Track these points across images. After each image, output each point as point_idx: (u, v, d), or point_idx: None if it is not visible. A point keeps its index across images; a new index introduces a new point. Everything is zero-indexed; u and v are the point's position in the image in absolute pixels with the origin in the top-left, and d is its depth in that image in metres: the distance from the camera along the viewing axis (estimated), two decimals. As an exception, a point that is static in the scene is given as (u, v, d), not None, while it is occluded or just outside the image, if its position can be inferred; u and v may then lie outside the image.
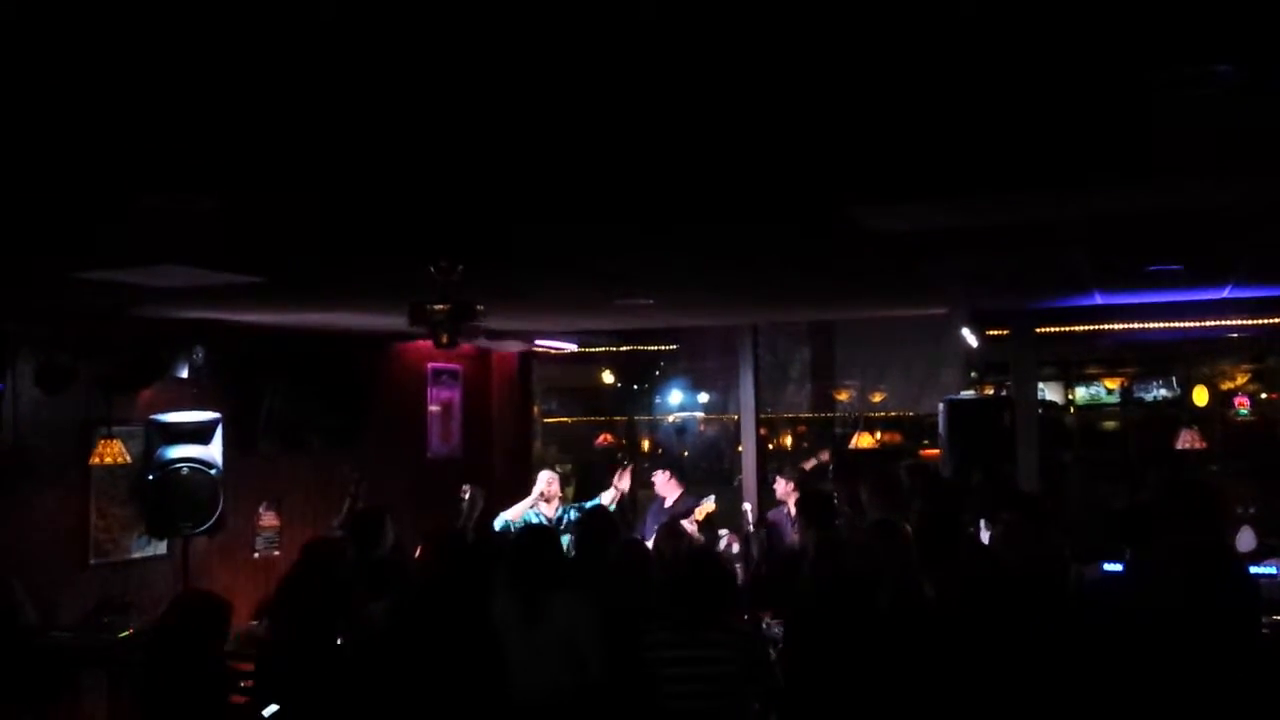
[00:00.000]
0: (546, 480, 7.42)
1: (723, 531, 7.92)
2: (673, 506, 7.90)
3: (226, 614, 3.93)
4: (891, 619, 4.09)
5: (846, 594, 4.25)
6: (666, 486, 8.13)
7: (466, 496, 7.34)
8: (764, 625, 5.59)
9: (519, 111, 2.63)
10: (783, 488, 7.67)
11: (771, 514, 7.80)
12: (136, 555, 6.70)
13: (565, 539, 6.30)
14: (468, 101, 2.55)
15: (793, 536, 7.14)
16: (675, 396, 16.77)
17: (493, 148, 3.00)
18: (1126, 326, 8.27)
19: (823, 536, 4.78)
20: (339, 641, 4.56)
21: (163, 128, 2.69)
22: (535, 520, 7.06)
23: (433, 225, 4.14)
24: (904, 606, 4.14)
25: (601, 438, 15.94)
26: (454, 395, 9.62)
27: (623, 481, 7.59)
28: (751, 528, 7.47)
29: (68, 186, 3.32)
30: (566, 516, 7.19)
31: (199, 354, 6.83)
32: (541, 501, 7.31)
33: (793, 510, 7.31)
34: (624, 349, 13.36)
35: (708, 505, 7.62)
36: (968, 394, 9.82)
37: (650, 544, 5.91)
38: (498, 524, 7.17)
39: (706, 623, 4.18)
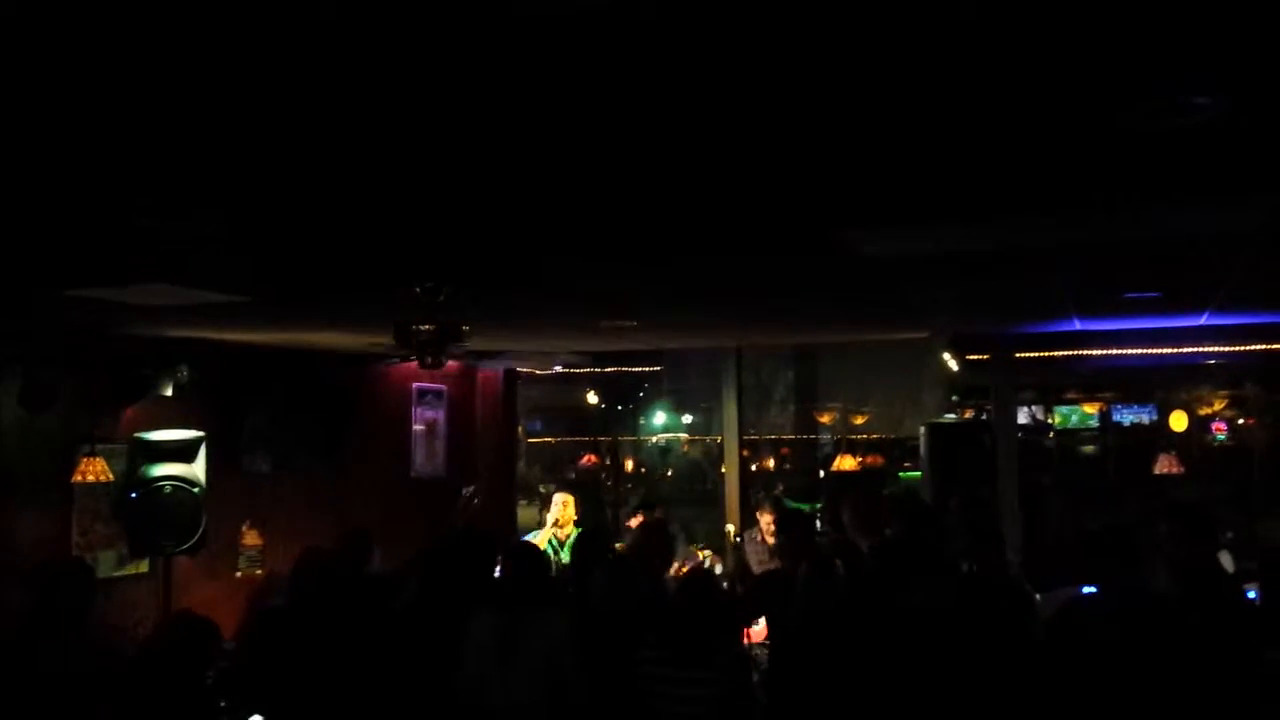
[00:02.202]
0: (560, 504, 7.38)
1: (705, 553, 7.94)
2: None
3: (215, 636, 3.93)
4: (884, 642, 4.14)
5: (837, 620, 4.29)
6: None
7: (467, 493, 7.29)
8: (750, 649, 5.60)
9: (505, 136, 2.67)
10: (766, 521, 7.63)
11: (745, 534, 7.84)
12: (118, 574, 6.68)
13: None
14: (458, 130, 2.59)
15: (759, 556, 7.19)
16: (659, 417, 16.82)
17: (480, 178, 3.04)
18: (1105, 352, 8.36)
19: (815, 562, 4.81)
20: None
21: (152, 146, 2.72)
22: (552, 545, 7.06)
23: (419, 250, 4.18)
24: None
25: (585, 458, 15.97)
26: (438, 415, 9.63)
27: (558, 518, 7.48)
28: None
29: (54, 205, 3.35)
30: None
31: (183, 372, 6.82)
32: (556, 527, 7.27)
33: (768, 537, 7.32)
34: (608, 370, 13.41)
35: (695, 555, 7.65)
36: (949, 417, 9.91)
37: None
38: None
39: (698, 643, 4.21)
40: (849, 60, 2.14)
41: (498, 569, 4.71)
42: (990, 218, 3.76)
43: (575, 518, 7.44)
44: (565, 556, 6.86)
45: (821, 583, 4.40)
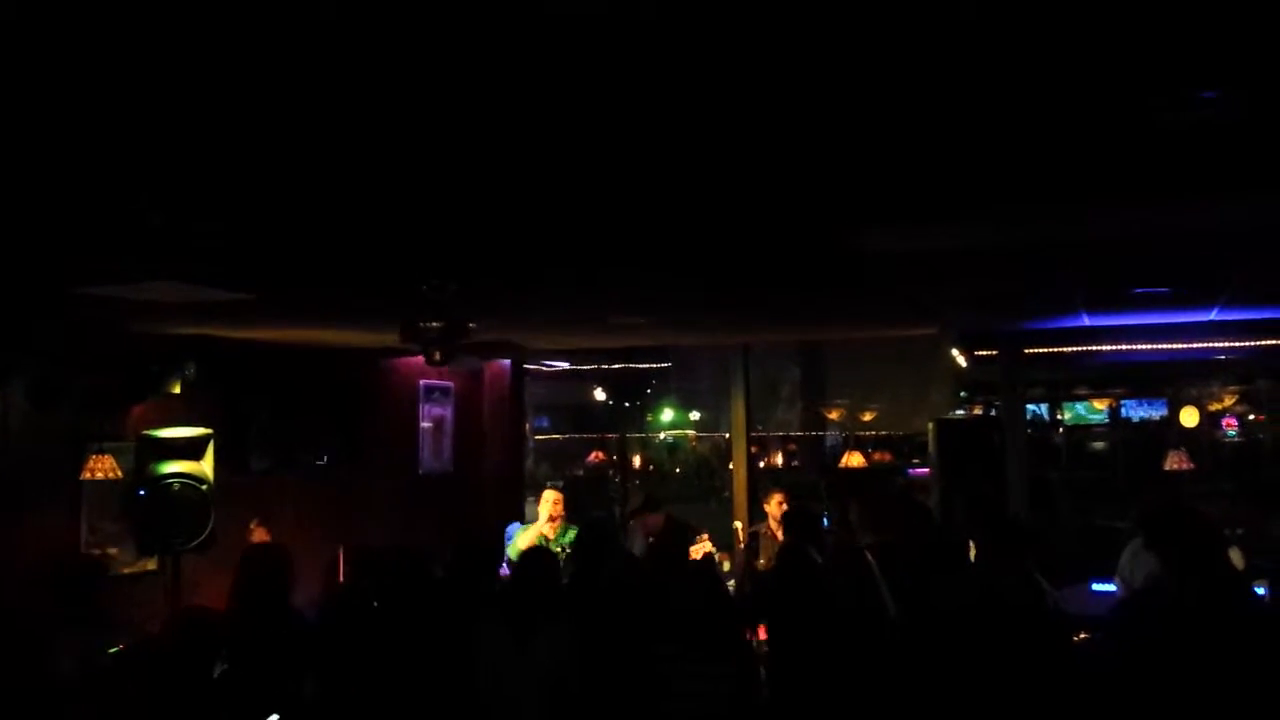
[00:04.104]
0: (551, 501, 7.33)
1: (711, 549, 7.90)
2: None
3: (220, 630, 3.92)
4: (852, 630, 4.13)
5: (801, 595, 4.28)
6: (648, 527, 8.12)
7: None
8: (754, 644, 5.60)
9: (515, 131, 2.67)
10: (776, 502, 7.63)
11: (755, 528, 7.83)
12: (127, 571, 6.69)
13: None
14: (468, 128, 2.58)
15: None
16: (667, 414, 16.80)
17: (489, 173, 3.03)
18: (1115, 348, 8.33)
19: (787, 546, 4.80)
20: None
21: (159, 144, 2.72)
22: (540, 543, 6.99)
23: (426, 246, 4.17)
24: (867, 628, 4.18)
25: (593, 455, 15.97)
26: (446, 412, 9.63)
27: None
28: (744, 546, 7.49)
29: (60, 203, 3.35)
30: (567, 535, 7.15)
31: (191, 369, 6.83)
32: (549, 523, 7.23)
33: (773, 525, 7.32)
34: (616, 367, 13.40)
35: (704, 546, 7.62)
36: (957, 413, 9.89)
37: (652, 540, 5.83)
38: (510, 553, 7.05)
39: (712, 638, 4.21)
40: (859, 58, 2.13)
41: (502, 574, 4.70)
42: (1000, 214, 3.75)
43: (564, 515, 7.40)
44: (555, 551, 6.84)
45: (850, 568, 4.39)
